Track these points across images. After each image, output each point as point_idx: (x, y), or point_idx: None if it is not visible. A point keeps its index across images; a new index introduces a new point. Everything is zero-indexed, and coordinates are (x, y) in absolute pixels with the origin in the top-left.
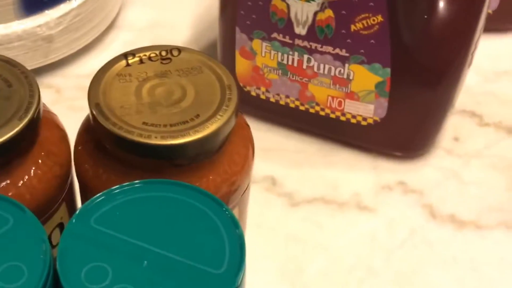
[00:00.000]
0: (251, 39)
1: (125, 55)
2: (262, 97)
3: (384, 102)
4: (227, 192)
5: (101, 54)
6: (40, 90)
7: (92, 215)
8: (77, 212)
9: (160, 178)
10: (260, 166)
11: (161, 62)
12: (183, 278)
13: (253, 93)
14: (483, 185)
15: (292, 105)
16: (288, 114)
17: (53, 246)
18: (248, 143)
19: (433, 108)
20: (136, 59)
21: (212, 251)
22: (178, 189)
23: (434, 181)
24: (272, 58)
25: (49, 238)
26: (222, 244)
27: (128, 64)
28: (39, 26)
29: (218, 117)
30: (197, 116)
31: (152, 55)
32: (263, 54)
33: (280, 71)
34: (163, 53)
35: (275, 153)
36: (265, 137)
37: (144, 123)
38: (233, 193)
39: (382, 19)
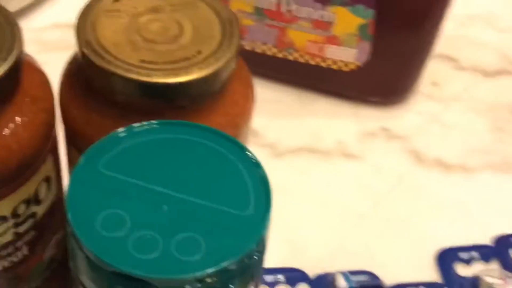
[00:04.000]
0: None
1: None
2: None
3: (366, 46)
4: (231, 135)
5: (59, 4)
6: None
7: (99, 160)
8: (83, 157)
9: None
10: None
11: None
12: (208, 222)
13: None
14: (465, 128)
15: (269, 53)
16: (265, 63)
17: (39, 202)
18: (248, 82)
19: (416, 51)
20: None
21: (236, 193)
22: (191, 130)
23: (417, 126)
24: (248, 2)
25: (36, 193)
26: (245, 186)
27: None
28: None
29: (222, 52)
30: (199, 52)
31: None
32: None
33: (256, 16)
34: None
35: None
36: None
37: (142, 60)
38: (237, 137)
39: None
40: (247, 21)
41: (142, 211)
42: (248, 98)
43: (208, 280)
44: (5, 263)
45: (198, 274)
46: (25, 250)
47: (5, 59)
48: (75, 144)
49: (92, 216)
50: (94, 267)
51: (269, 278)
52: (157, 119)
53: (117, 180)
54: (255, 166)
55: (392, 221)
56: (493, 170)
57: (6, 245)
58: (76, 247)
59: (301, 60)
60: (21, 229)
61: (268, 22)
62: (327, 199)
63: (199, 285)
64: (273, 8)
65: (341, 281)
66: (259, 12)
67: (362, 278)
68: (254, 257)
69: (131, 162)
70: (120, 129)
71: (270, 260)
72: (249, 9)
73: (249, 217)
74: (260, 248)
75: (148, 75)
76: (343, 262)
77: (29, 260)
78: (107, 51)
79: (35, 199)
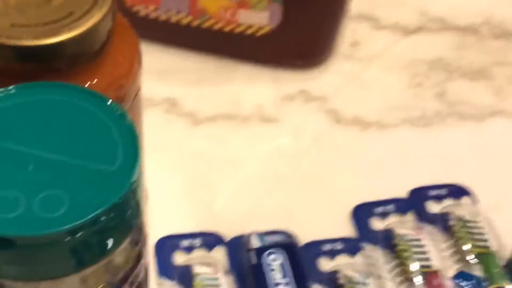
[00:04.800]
0: None
1: None
2: (152, 16)
3: (278, 7)
4: (115, 98)
5: None
6: None
7: None
8: None
9: None
10: (157, 89)
11: None
12: (74, 178)
13: (141, 14)
14: (384, 85)
15: (184, 22)
16: (181, 32)
17: None
18: (133, 45)
19: (330, 11)
20: None
21: (103, 147)
22: (57, 90)
23: (336, 87)
24: None
25: None
26: (112, 139)
27: None
28: None
29: (94, 12)
30: (71, 13)
31: None
32: None
33: None
34: None
35: (172, 74)
36: (160, 58)
37: (12, 24)
38: (122, 99)
39: None
40: None
41: (6, 171)
42: (132, 58)
43: (78, 234)
44: None
45: (61, 229)
46: None
47: None
48: None
49: None
50: None
51: (185, 243)
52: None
53: None
54: (121, 118)
55: (309, 180)
56: (410, 125)
57: None
58: None
59: (216, 27)
60: None
61: None
62: (245, 163)
63: (71, 240)
64: None
65: (254, 241)
66: None
67: (277, 237)
68: (126, 209)
69: None
70: None
71: (187, 225)
72: None
73: (115, 170)
74: (132, 201)
75: (17, 38)
76: (260, 223)
77: None
78: None
79: None
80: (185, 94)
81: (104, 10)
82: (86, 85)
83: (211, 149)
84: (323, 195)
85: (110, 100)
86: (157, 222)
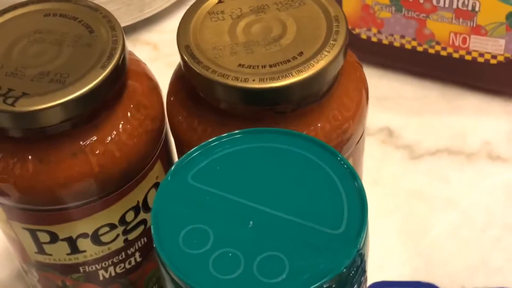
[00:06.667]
0: None
1: None
2: (374, 39)
3: None
4: (339, 142)
5: None
6: (138, 47)
7: (189, 171)
8: (172, 168)
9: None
10: (374, 117)
11: None
12: (295, 240)
13: (363, 36)
14: None
15: (408, 46)
16: (404, 57)
17: (149, 209)
18: (361, 84)
19: None
20: None
21: (328, 208)
22: (284, 138)
23: None
24: None
25: (145, 199)
26: (339, 200)
27: (220, 1)
28: None
29: (325, 53)
30: (300, 54)
31: None
32: None
33: (393, 8)
34: None
35: (391, 101)
36: (379, 84)
37: (240, 65)
38: (346, 142)
39: None
40: (384, 14)
41: (227, 226)
42: (360, 101)
43: None
44: (118, 269)
45: None
46: (137, 257)
47: (104, 67)
48: (182, 152)
49: (176, 232)
50: (176, 285)
51: None
52: (258, 125)
53: (205, 193)
54: (351, 177)
55: None
56: None
57: (118, 252)
58: (160, 264)
59: (443, 53)
60: (132, 236)
61: (406, 14)
62: (468, 207)
63: None
64: None
65: None
66: (396, 3)
67: None
68: (349, 279)
69: (220, 173)
70: (211, 139)
71: (401, 272)
72: (385, 1)
73: (340, 235)
74: (357, 270)
75: (244, 81)
76: (484, 279)
77: (142, 266)
78: (206, 56)
79: (144, 206)
80: (404, 124)
81: (336, 49)
82: (310, 129)
83: (430, 188)
84: None
85: (340, 156)
86: (370, 265)
